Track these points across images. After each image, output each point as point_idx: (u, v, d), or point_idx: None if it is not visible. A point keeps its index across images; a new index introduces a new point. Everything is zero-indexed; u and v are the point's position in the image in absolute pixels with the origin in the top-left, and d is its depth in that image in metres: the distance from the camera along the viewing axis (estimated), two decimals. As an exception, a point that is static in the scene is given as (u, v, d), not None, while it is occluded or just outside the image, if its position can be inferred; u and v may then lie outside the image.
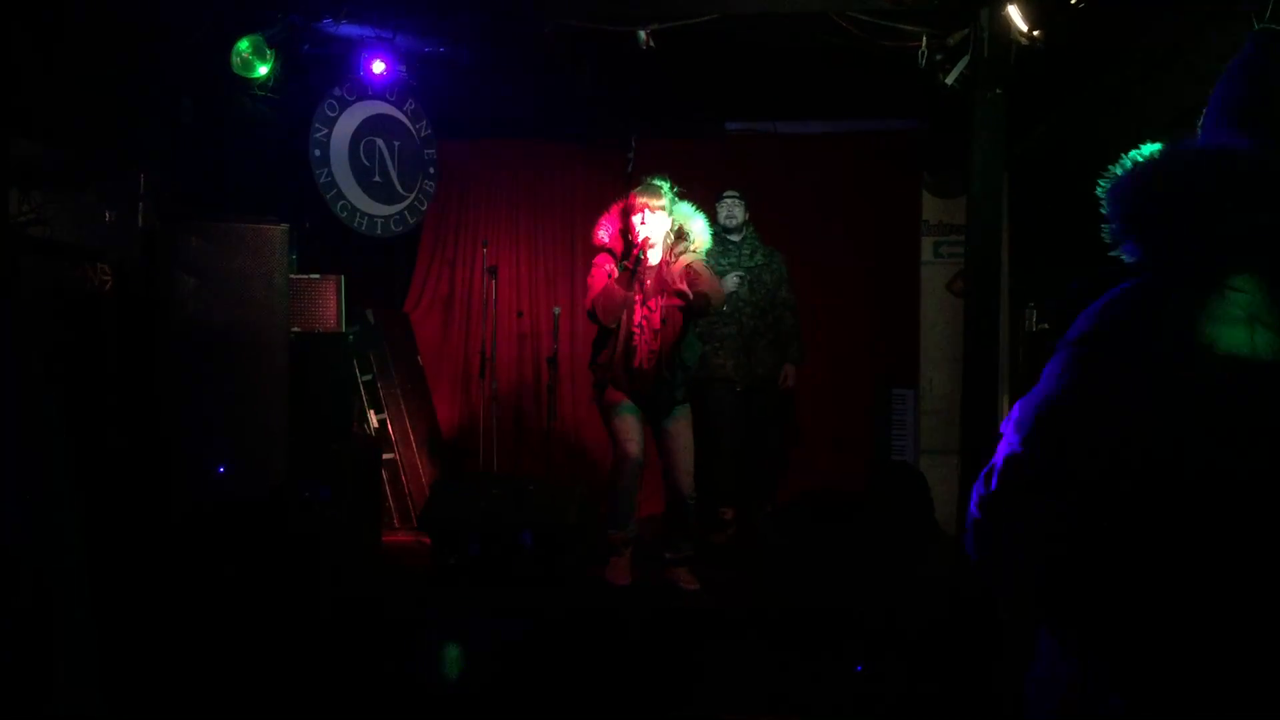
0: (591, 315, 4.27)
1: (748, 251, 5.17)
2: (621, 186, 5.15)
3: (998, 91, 3.99)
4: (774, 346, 5.21)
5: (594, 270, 4.30)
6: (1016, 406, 1.32)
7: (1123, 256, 1.34)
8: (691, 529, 4.44)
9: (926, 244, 5.69)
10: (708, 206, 4.58)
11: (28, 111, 3.49)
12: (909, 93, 4.81)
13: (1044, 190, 5.09)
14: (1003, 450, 1.32)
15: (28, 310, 3.08)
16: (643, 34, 4.24)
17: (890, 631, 3.76)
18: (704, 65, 5.02)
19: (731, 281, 5.07)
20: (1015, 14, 3.82)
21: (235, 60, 4.42)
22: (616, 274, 4.23)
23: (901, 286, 5.76)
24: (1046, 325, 4.14)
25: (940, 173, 5.65)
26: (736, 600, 4.32)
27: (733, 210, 5.17)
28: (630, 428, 4.27)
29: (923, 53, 4.22)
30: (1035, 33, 3.81)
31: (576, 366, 5.94)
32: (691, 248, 4.30)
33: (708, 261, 4.45)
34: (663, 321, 4.20)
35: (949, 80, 4.22)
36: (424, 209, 5.47)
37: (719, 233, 5.11)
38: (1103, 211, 1.36)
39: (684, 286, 4.15)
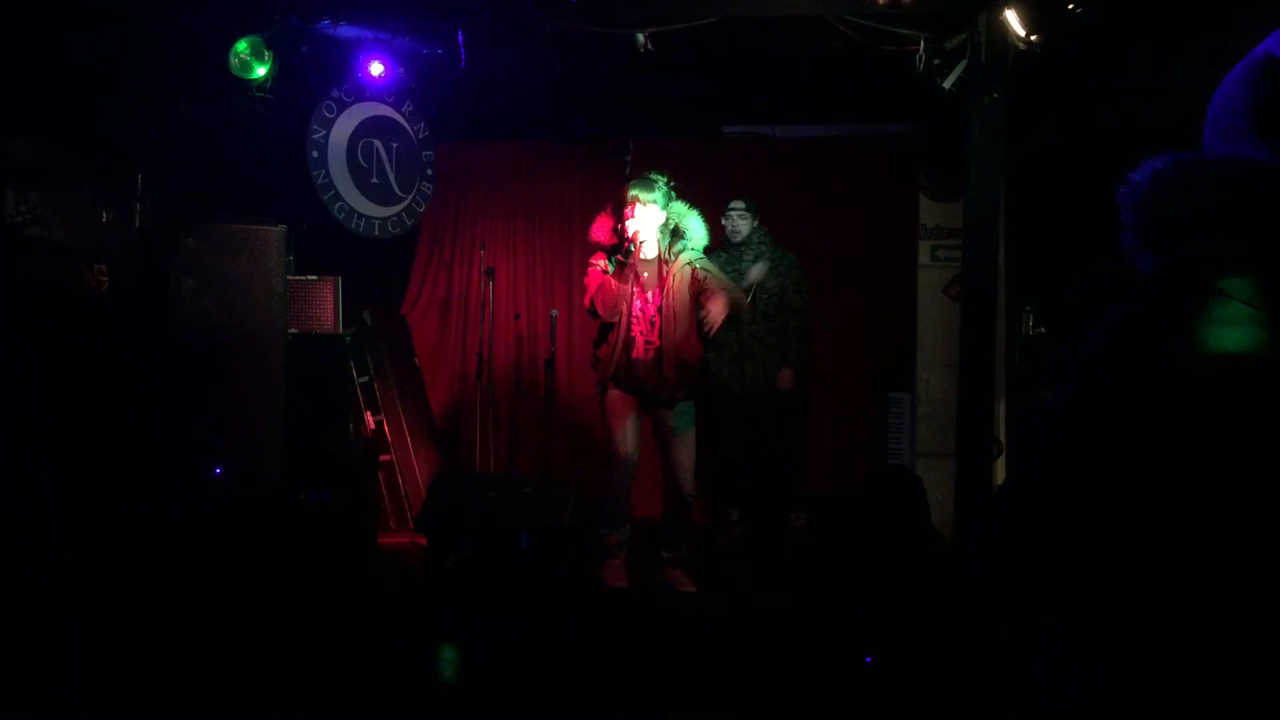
0: (592, 311, 4.27)
1: (750, 258, 5.15)
2: (619, 188, 5.14)
3: (995, 96, 4.00)
4: (773, 351, 5.19)
5: (589, 269, 4.32)
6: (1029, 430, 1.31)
7: (1137, 266, 1.30)
8: (689, 528, 4.45)
9: (924, 248, 5.69)
10: (705, 210, 4.56)
11: (25, 112, 3.48)
12: (907, 97, 4.82)
13: (1041, 194, 5.09)
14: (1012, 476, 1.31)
15: (22, 310, 3.07)
16: (641, 36, 4.24)
17: (887, 632, 3.77)
18: (702, 68, 5.02)
19: (758, 270, 5.07)
20: (1013, 18, 3.83)
21: (233, 61, 4.42)
22: (610, 268, 4.22)
23: (898, 290, 5.75)
24: (1043, 329, 4.15)
25: (937, 177, 5.65)
26: (734, 601, 4.32)
27: (737, 225, 5.16)
28: (624, 428, 4.28)
29: (920, 57, 4.22)
30: (1033, 37, 3.82)
31: (573, 369, 5.94)
32: (690, 245, 4.26)
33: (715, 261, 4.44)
34: (658, 312, 4.21)
35: (947, 84, 4.22)
36: (421, 211, 5.47)
37: (724, 243, 5.13)
38: (1122, 219, 1.32)
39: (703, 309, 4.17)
